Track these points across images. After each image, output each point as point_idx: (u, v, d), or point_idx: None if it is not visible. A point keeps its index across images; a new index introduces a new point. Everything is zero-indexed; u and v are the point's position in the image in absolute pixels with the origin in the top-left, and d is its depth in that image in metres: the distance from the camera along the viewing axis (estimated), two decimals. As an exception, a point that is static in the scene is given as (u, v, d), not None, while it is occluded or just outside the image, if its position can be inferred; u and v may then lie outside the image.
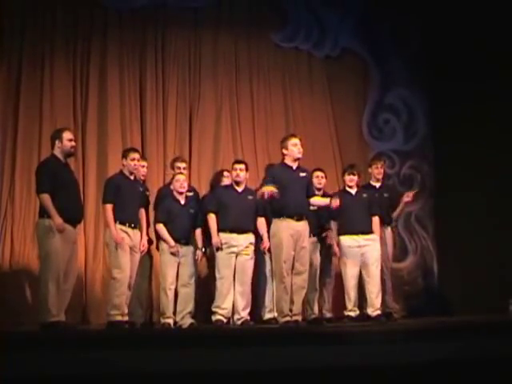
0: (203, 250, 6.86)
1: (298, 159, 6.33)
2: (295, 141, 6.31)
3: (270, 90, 8.68)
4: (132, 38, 8.18)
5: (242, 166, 6.94)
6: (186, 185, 6.85)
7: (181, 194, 6.79)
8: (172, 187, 6.88)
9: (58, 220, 5.83)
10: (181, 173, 6.94)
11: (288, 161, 6.33)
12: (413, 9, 8.95)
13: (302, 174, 6.34)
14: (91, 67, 7.95)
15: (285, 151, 6.33)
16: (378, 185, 7.57)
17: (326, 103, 8.88)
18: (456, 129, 8.39)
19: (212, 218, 6.78)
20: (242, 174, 6.91)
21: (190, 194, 7.04)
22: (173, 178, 6.97)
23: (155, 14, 8.28)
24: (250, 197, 6.85)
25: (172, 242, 6.62)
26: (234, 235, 6.73)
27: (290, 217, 6.17)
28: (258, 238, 6.90)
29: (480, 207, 8.00)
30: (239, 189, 6.89)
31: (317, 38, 8.86)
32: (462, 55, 8.34)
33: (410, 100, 9.07)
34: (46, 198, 5.86)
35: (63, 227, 5.85)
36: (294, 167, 6.32)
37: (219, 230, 6.75)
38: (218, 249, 6.71)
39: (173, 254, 6.60)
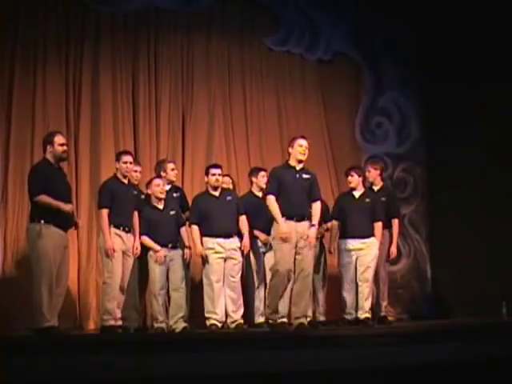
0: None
1: (301, 161, 6.25)
2: (302, 142, 6.26)
3: (263, 93, 8.69)
4: (124, 43, 8.15)
5: (220, 171, 6.85)
6: (165, 188, 6.73)
7: (160, 199, 6.67)
8: (150, 191, 6.78)
9: (66, 207, 5.90)
10: (158, 176, 6.83)
11: (292, 161, 6.28)
12: (405, 12, 8.99)
13: (306, 176, 6.26)
14: (84, 71, 7.91)
15: (290, 150, 6.28)
16: (376, 188, 7.51)
17: (318, 107, 8.90)
18: (449, 131, 8.42)
19: (194, 230, 6.73)
20: (221, 179, 6.86)
21: (177, 194, 6.99)
22: (149, 183, 6.86)
23: (148, 19, 8.26)
24: (229, 197, 6.82)
25: (157, 247, 6.54)
26: (221, 240, 6.69)
27: (290, 218, 6.10)
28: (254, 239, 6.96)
29: (473, 210, 8.02)
30: (216, 193, 6.83)
31: (309, 41, 8.88)
32: (454, 58, 8.38)
33: (402, 103, 9.10)
34: (43, 197, 5.82)
35: (72, 210, 6.02)
36: (298, 168, 6.26)
37: (206, 236, 6.70)
38: (203, 257, 6.67)
39: (161, 258, 6.51)
